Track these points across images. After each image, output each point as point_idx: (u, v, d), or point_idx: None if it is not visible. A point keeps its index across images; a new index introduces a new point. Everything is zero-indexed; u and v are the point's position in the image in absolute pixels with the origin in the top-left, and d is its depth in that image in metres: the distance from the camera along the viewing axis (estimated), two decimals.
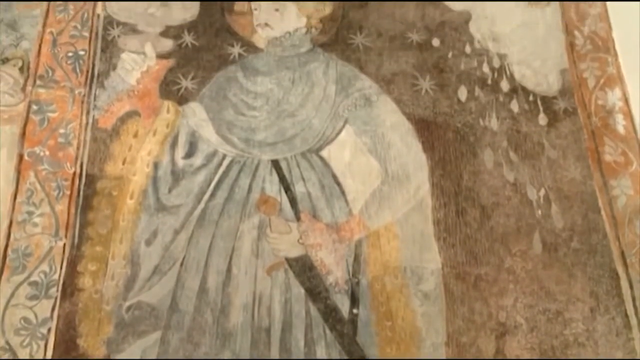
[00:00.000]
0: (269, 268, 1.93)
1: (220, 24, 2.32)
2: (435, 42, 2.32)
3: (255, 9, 2.32)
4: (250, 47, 2.28)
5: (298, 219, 2.00)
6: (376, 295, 1.92)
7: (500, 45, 2.33)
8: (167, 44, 2.26)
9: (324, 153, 2.11)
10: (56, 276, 1.88)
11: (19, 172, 2.00)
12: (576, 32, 2.37)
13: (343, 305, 1.90)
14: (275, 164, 2.08)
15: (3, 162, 2.02)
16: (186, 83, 2.19)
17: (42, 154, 2.03)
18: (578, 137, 2.18)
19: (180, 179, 2.05)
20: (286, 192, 2.03)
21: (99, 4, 2.30)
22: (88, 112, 2.12)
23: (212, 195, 2.03)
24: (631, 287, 1.96)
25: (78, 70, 2.18)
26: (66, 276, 1.88)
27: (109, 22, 2.28)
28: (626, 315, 1.93)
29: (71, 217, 1.96)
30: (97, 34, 2.25)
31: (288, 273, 1.93)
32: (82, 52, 2.21)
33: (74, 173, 2.02)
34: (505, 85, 2.26)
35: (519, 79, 2.27)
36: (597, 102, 2.24)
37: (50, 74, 2.16)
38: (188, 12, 2.32)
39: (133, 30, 2.27)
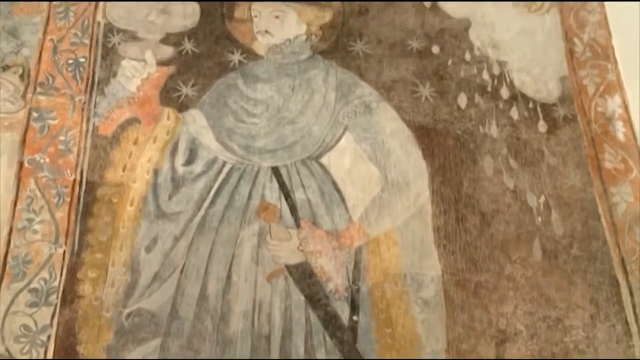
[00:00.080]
0: (269, 275, 1.93)
1: (220, 31, 2.32)
2: (435, 49, 2.32)
3: (256, 16, 2.32)
4: (251, 54, 2.29)
5: (298, 226, 2.00)
6: (376, 302, 1.92)
7: (500, 53, 2.33)
8: (168, 51, 2.26)
9: (324, 160, 2.11)
10: (56, 283, 1.88)
11: (19, 179, 2.00)
12: (576, 40, 2.37)
13: (343, 312, 1.90)
14: (275, 171, 2.08)
15: (3, 170, 2.02)
16: (186, 90, 2.20)
17: (42, 161, 2.03)
18: (578, 144, 2.19)
19: (180, 186, 2.05)
20: (286, 199, 2.03)
21: (100, 11, 2.30)
22: (88, 119, 2.11)
23: (212, 202, 2.02)
24: (631, 294, 1.96)
25: (78, 77, 2.18)
26: (66, 283, 1.88)
27: (110, 29, 2.28)
28: (626, 323, 1.93)
29: (71, 224, 1.95)
30: (97, 41, 2.25)
31: (288, 280, 1.93)
32: (82, 60, 2.21)
33: (74, 180, 2.02)
34: (505, 93, 2.26)
35: (519, 86, 2.28)
36: (597, 109, 2.24)
37: (50, 81, 2.16)
38: (188, 20, 2.32)
39: (133, 37, 2.27)
